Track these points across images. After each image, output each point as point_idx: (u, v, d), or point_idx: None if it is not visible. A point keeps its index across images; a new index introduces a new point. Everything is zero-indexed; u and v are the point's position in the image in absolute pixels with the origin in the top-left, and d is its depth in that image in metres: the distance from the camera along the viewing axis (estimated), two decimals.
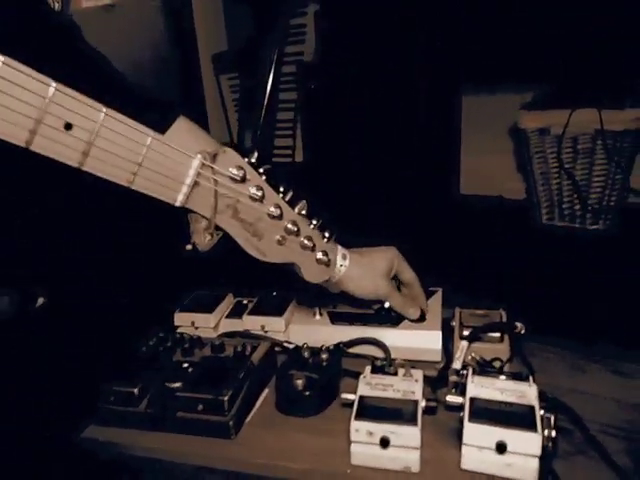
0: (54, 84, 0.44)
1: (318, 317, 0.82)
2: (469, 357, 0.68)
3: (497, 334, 0.73)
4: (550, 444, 0.54)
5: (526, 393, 0.57)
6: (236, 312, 0.88)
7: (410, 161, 1.96)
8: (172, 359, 0.73)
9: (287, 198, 0.62)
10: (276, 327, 0.83)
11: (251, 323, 0.84)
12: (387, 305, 0.78)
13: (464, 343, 0.67)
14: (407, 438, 0.55)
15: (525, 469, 0.53)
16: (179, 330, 0.86)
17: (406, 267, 0.77)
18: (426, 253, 0.83)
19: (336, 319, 0.81)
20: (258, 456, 0.63)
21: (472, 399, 0.56)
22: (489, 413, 0.55)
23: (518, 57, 1.65)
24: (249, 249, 0.59)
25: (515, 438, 0.52)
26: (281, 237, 0.61)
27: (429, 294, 0.82)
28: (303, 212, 0.63)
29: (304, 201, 0.63)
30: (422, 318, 0.78)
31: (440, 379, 0.69)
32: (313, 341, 0.75)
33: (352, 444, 0.58)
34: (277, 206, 0.60)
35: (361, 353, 0.77)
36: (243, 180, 0.56)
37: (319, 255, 0.65)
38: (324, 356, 0.71)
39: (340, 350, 0.76)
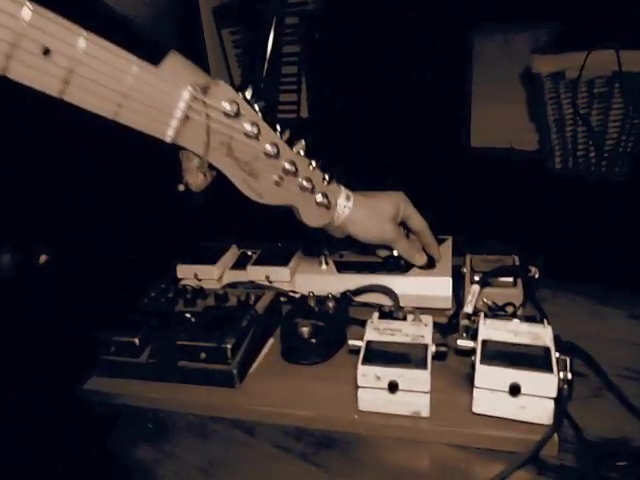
0: (29, 4, 0.41)
1: (324, 266, 0.80)
2: (481, 302, 0.66)
3: (510, 279, 0.70)
4: (565, 387, 0.52)
5: (541, 335, 0.54)
6: (241, 264, 0.85)
7: (420, 113, 1.91)
8: (174, 310, 0.72)
9: (285, 137, 0.58)
10: (281, 277, 0.80)
11: (255, 273, 0.82)
12: (396, 253, 0.75)
13: (475, 287, 0.65)
14: (416, 382, 0.53)
15: (540, 411, 0.51)
16: (182, 282, 0.84)
17: (415, 213, 0.73)
18: (438, 204, 0.80)
19: (343, 268, 0.79)
20: (263, 404, 0.61)
21: (484, 341, 0.54)
22: (502, 355, 0.52)
23: None
24: (245, 190, 0.56)
25: (530, 380, 0.50)
26: (279, 177, 0.58)
27: (439, 242, 0.79)
28: (301, 152, 0.59)
29: (302, 141, 0.59)
30: (432, 265, 0.76)
31: (450, 325, 0.67)
32: (319, 290, 0.73)
33: (359, 389, 0.56)
34: (274, 144, 0.56)
35: (369, 302, 0.75)
36: (237, 115, 0.53)
37: (319, 197, 0.62)
38: (330, 304, 0.70)
39: (347, 298, 0.73)
